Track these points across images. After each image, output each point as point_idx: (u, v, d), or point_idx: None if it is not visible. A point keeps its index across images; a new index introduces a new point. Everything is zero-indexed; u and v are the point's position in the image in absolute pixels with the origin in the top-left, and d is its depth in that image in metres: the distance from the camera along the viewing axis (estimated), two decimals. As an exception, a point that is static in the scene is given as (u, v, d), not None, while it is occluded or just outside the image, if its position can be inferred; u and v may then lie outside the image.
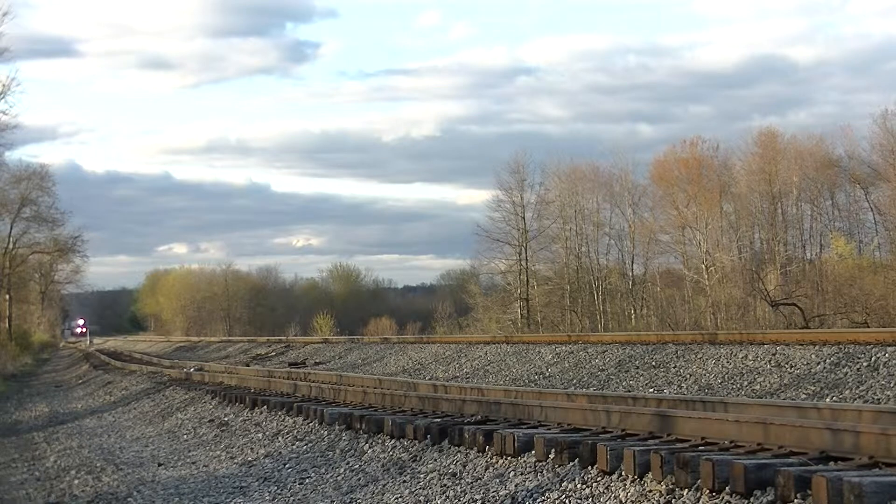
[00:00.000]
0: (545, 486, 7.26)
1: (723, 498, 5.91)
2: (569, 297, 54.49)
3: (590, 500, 6.73)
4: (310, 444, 11.54)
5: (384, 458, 9.79)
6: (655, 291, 52.97)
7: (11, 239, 62.13)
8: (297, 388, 16.76)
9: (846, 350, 15.05)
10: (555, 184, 56.52)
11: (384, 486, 8.84)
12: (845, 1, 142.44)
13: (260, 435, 13.16)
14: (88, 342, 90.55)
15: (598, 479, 6.98)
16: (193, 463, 12.48)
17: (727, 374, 15.75)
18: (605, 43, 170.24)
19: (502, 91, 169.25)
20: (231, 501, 9.58)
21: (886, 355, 14.14)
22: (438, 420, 10.20)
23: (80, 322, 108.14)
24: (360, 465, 9.86)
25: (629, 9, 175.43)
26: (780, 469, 5.72)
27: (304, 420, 12.92)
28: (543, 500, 7.02)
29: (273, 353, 38.78)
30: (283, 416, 13.80)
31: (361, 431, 11.02)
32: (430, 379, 20.75)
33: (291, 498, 9.29)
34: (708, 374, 16.04)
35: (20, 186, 60.75)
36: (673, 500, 6.19)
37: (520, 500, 7.21)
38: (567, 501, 6.85)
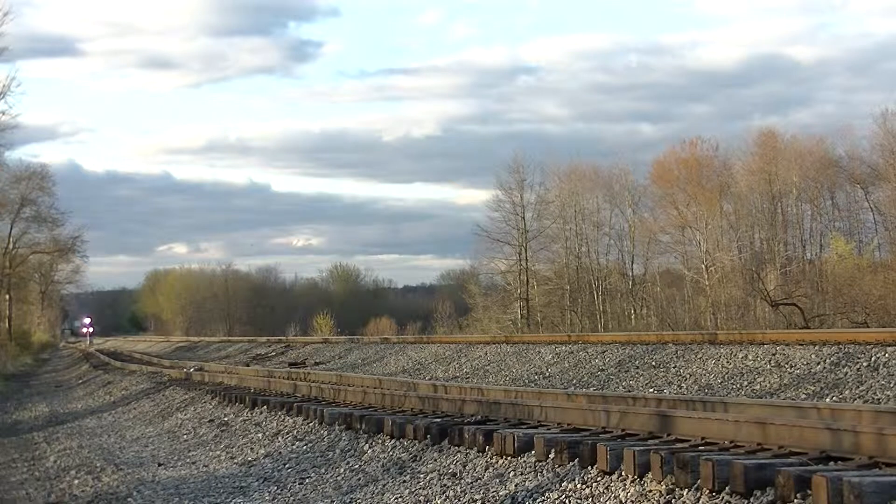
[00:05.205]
0: (545, 486, 7.26)
1: (723, 498, 5.91)
2: (569, 297, 54.48)
3: (590, 500, 6.73)
4: (310, 444, 11.53)
5: (384, 458, 9.79)
6: (655, 291, 52.97)
7: (11, 239, 62.17)
8: (297, 388, 16.76)
9: (846, 350, 15.05)
10: (555, 184, 56.61)
11: (384, 486, 8.84)
12: (846, 0, 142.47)
13: (260, 435, 13.15)
14: (88, 342, 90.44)
15: (598, 479, 6.98)
16: (193, 463, 12.48)
17: (727, 374, 15.75)
18: (606, 42, 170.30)
19: (503, 90, 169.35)
20: (231, 501, 9.57)
21: (886, 355, 14.14)
22: (438, 420, 10.19)
23: (87, 321, 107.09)
24: (360, 465, 9.86)
25: (629, 8, 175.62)
26: (779, 469, 5.71)
27: (304, 420, 12.92)
28: (543, 500, 7.02)
29: (273, 353, 38.78)
30: (283, 416, 13.79)
31: (361, 431, 11.01)
32: (430, 379, 20.74)
33: (291, 498, 9.29)
34: (708, 374, 16.05)
35: (20, 186, 60.81)
36: (673, 500, 6.19)
37: (520, 500, 7.21)
38: (567, 501, 6.84)
